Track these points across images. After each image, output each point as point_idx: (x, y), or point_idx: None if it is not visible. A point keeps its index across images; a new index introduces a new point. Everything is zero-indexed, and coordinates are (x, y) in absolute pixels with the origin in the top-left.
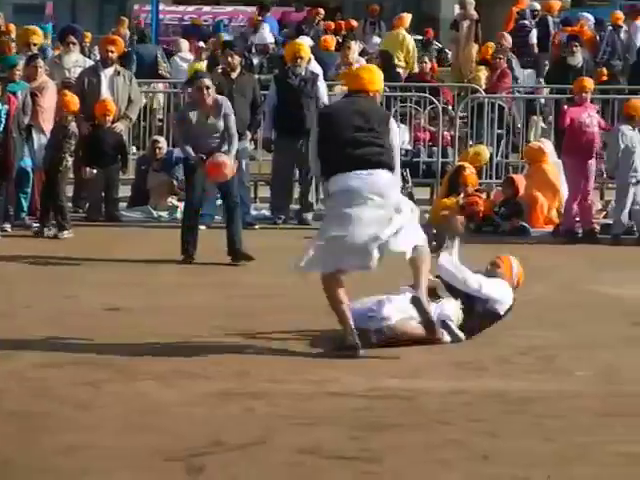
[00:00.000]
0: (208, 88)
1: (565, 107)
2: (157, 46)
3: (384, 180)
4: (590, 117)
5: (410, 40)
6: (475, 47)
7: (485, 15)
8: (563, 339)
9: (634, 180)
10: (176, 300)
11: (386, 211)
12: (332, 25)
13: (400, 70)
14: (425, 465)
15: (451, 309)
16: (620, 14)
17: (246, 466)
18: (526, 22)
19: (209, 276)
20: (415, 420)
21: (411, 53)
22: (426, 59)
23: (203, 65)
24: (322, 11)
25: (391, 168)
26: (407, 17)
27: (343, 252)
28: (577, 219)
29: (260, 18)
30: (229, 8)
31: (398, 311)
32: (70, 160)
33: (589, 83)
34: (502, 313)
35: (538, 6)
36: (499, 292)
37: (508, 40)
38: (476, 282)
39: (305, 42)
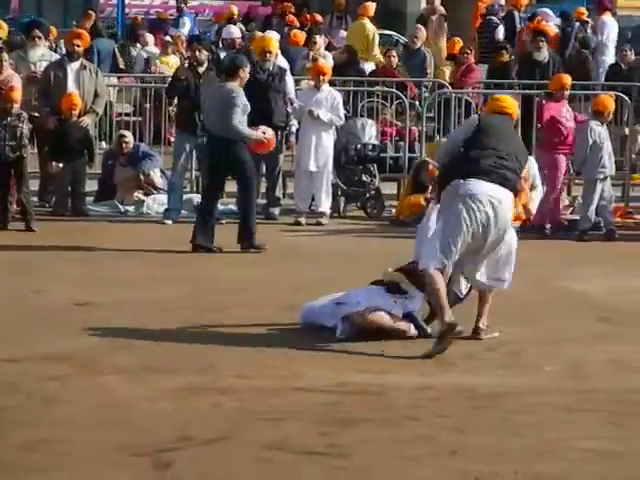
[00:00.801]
0: None
1: (544, 102)
2: (111, 41)
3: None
4: (567, 112)
5: (371, 29)
6: (444, 42)
7: (451, 10)
8: (531, 335)
9: (602, 176)
10: (143, 294)
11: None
12: (294, 20)
13: (364, 63)
14: (394, 460)
15: (417, 303)
16: (583, 9)
17: (214, 461)
18: (493, 17)
19: (177, 270)
20: (384, 415)
21: (371, 43)
22: (394, 53)
23: (171, 59)
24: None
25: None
26: (371, 6)
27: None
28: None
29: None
30: (195, 2)
31: (367, 301)
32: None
33: (568, 80)
34: (461, 297)
35: (503, 1)
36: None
37: None
38: None
39: (273, 37)
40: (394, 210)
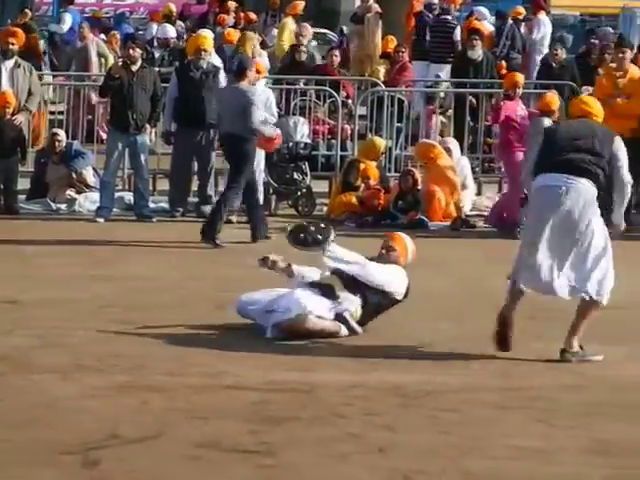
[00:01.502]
0: None
1: (501, 103)
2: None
3: None
4: (522, 110)
5: (289, 26)
6: (380, 40)
7: (385, 8)
8: (460, 332)
9: None
10: (74, 293)
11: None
12: (226, 18)
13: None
14: (322, 458)
15: (350, 304)
16: (521, 9)
17: (143, 460)
18: (448, 17)
19: (107, 268)
20: (313, 414)
21: (283, 40)
22: (336, 52)
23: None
24: (233, 4)
25: None
26: (299, 5)
27: None
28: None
29: (62, 9)
30: (130, 0)
31: (297, 307)
32: None
33: (520, 78)
34: (400, 298)
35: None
36: (395, 279)
37: None
38: (374, 269)
39: (208, 35)
40: (325, 208)
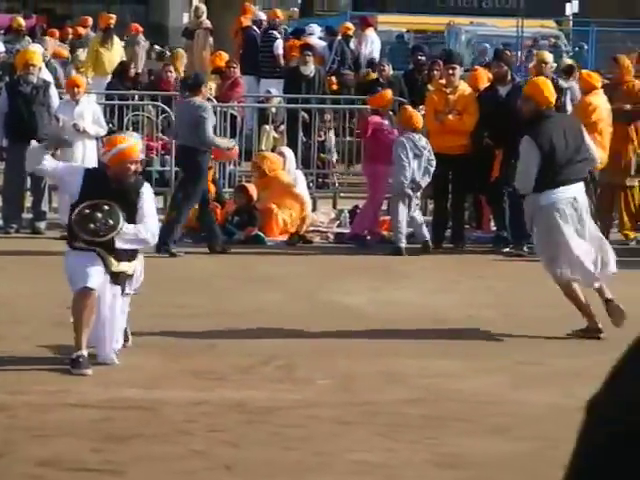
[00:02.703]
0: None
1: (369, 118)
2: None
3: None
4: (389, 125)
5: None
6: (209, 55)
7: (216, 24)
8: (302, 348)
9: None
10: None
11: None
12: (56, 32)
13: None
14: (168, 476)
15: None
16: (350, 25)
17: None
18: (274, 32)
19: None
20: (156, 431)
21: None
22: (172, 68)
23: None
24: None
25: None
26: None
27: None
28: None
29: None
30: None
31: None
32: None
33: (390, 95)
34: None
35: (264, 16)
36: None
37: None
38: None
39: (37, 50)
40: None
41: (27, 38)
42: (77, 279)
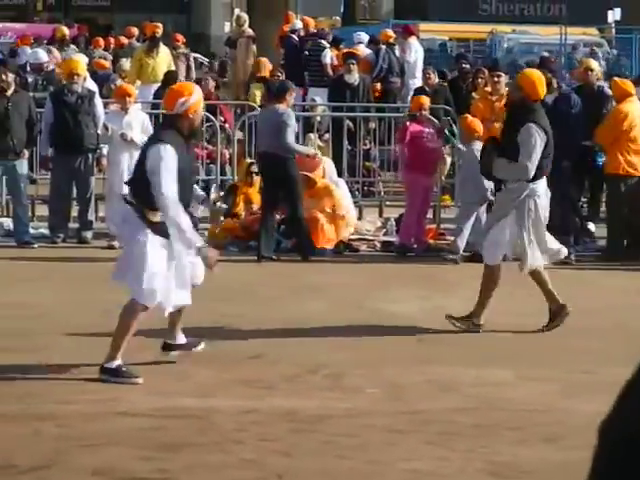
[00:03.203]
0: None
1: (407, 123)
2: None
3: None
4: (429, 132)
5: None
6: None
7: (258, 32)
8: (351, 357)
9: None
10: None
11: None
12: (101, 42)
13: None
14: None
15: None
16: (390, 32)
17: None
18: (322, 41)
19: None
20: (208, 439)
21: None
22: (209, 77)
23: None
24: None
25: None
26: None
27: None
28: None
29: None
30: None
31: None
32: None
33: (426, 100)
34: None
35: (300, 24)
36: None
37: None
38: None
39: (81, 59)
40: (206, 232)
41: (72, 47)
42: (154, 290)
